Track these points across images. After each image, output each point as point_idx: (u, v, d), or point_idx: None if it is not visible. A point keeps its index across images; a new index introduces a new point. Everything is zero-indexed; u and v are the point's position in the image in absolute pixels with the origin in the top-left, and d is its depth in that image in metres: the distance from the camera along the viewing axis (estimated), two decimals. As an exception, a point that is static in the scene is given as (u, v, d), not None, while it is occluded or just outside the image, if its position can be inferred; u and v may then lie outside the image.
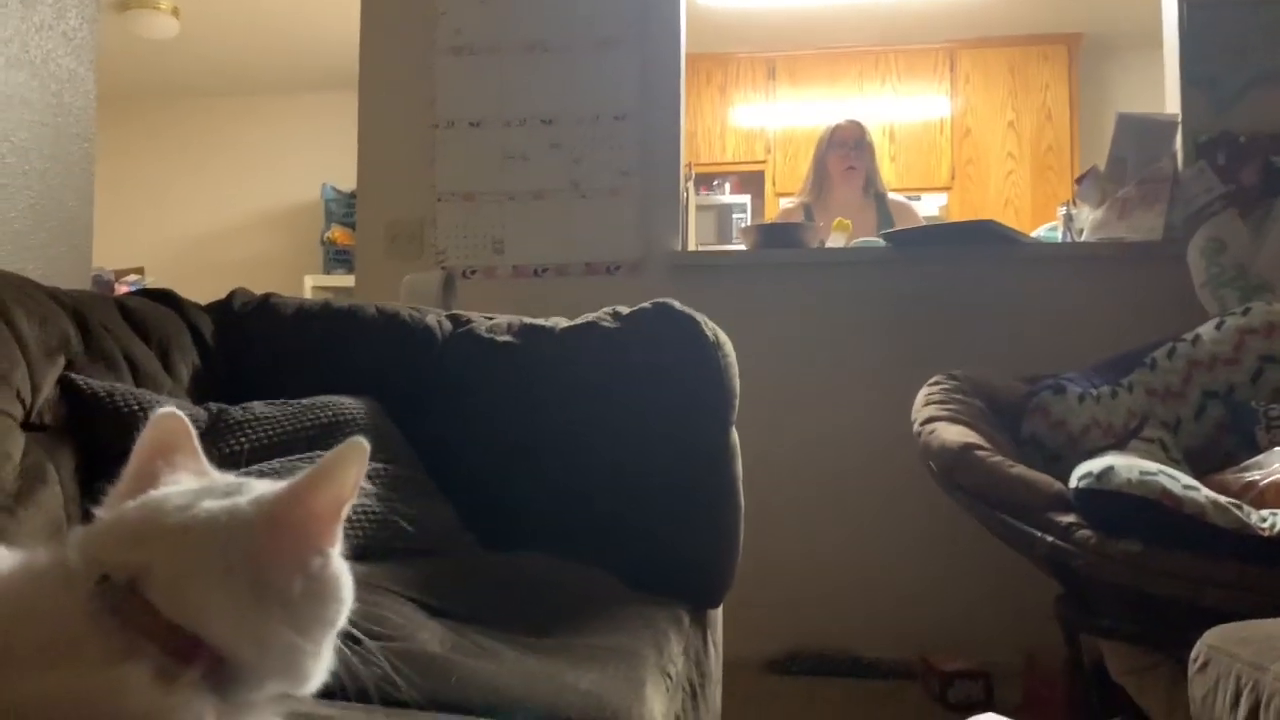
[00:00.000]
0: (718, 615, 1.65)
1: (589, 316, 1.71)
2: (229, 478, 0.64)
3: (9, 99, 1.79)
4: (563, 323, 1.72)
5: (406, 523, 1.33)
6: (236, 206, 4.73)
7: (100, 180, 2.09)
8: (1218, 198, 2.55)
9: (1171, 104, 2.93)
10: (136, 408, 1.33)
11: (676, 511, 1.54)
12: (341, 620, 0.61)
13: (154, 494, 0.60)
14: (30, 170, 1.85)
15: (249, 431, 1.41)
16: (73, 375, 1.35)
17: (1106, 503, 1.68)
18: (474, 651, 1.09)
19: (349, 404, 1.56)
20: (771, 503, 2.27)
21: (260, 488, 0.61)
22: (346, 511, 0.61)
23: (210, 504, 0.59)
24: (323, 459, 0.59)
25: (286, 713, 0.61)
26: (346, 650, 0.64)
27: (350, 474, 0.60)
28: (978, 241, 2.87)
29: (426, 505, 1.48)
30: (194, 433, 0.67)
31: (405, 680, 0.95)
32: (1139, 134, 2.84)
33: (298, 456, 1.39)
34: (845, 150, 3.54)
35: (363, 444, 0.60)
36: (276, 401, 1.50)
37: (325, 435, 1.45)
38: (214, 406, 1.45)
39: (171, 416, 0.66)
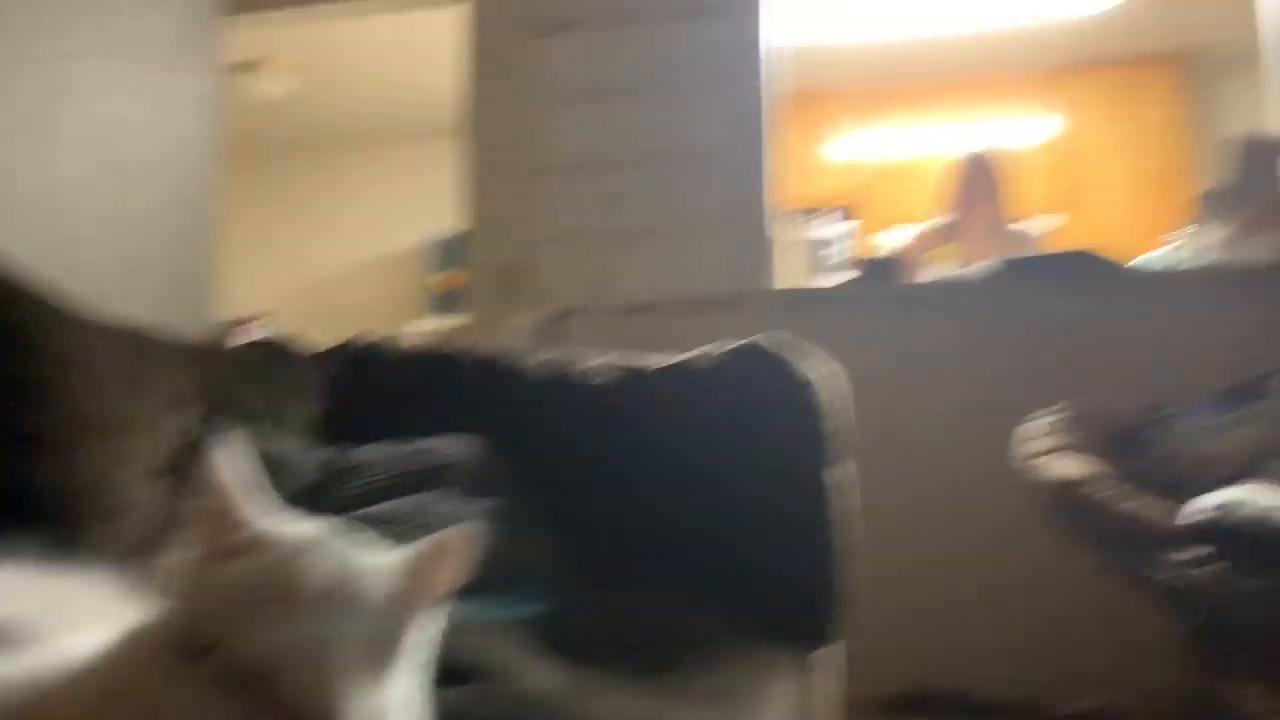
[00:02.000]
0: (830, 655, 1.62)
1: (682, 357, 1.71)
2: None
3: (140, 164, 1.90)
4: (657, 364, 1.73)
5: (513, 563, 1.35)
6: (348, 254, 4.98)
7: (234, 232, 2.21)
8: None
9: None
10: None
11: (776, 552, 1.52)
12: None
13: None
14: (162, 227, 1.97)
15: (361, 476, 1.46)
16: (195, 427, 1.42)
17: (1233, 535, 1.60)
18: (583, 692, 1.09)
19: (454, 447, 1.60)
20: (889, 536, 2.22)
21: None
22: None
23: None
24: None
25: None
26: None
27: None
28: (1082, 269, 2.81)
29: (531, 546, 1.50)
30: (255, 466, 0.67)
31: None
32: (1257, 155, 2.74)
33: (406, 500, 1.44)
34: (977, 178, 3.53)
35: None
36: (385, 445, 1.55)
37: (431, 479, 1.49)
38: (328, 452, 1.50)
39: (232, 454, 0.65)
